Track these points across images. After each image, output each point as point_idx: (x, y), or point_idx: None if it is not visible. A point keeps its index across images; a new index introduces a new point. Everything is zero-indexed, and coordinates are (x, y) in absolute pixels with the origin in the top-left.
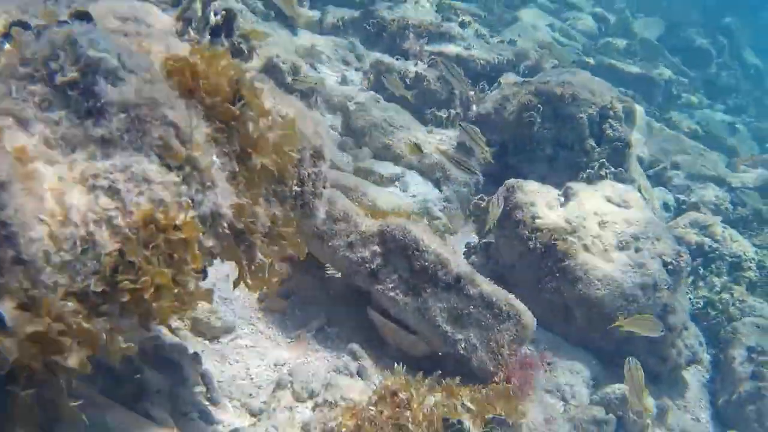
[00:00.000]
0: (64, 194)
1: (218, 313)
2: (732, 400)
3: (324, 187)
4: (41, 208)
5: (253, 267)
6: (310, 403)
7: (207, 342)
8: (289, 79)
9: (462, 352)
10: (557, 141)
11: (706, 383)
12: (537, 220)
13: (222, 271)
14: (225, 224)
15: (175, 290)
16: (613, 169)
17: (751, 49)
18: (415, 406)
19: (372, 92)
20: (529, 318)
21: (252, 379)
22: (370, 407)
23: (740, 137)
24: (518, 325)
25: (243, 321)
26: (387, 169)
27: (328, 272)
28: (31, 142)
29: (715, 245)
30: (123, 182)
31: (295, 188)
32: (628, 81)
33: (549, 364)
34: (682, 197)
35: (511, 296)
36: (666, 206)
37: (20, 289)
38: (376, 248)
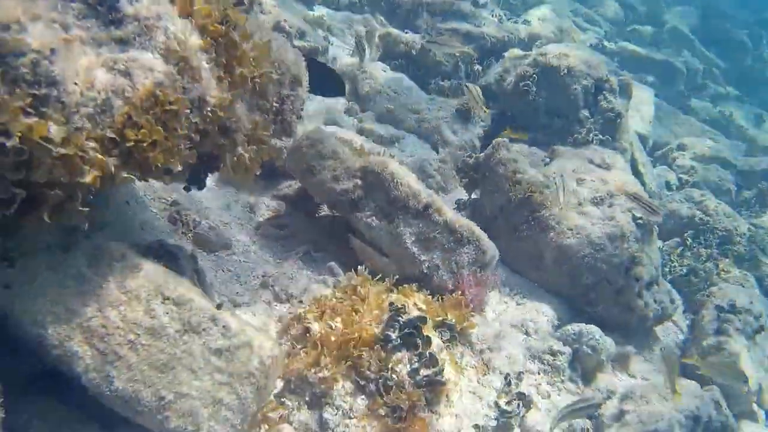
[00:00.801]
0: (92, 71)
1: (217, 230)
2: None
3: (301, 109)
4: (76, 75)
5: (234, 158)
6: (287, 305)
7: (205, 254)
8: (295, 42)
9: (426, 271)
10: (552, 110)
11: (679, 343)
12: (517, 175)
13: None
14: (209, 108)
15: (166, 145)
16: (600, 137)
17: None
18: (370, 297)
19: (379, 62)
20: (488, 244)
21: (241, 285)
22: (334, 298)
23: (766, 128)
24: (478, 250)
25: (240, 243)
26: (388, 130)
27: (322, 212)
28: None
29: (706, 218)
30: (134, 69)
31: (275, 104)
32: (649, 67)
33: (518, 304)
34: (685, 177)
35: (474, 225)
36: (668, 185)
37: (60, 120)
38: (358, 181)
